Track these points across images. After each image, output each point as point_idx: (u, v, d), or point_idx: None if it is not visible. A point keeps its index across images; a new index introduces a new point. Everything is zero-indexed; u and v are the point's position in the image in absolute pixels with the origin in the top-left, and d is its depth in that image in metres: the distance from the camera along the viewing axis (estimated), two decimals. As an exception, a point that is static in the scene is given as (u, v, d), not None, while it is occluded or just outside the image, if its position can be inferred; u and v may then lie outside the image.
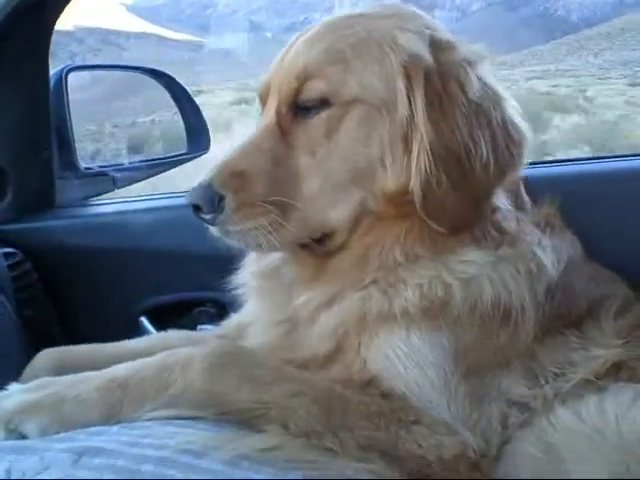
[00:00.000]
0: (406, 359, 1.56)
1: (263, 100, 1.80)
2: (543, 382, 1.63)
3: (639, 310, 1.82)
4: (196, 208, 1.63)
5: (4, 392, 1.56)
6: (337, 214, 1.67)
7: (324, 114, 1.63)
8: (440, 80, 1.60)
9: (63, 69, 3.00)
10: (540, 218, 1.82)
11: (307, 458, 1.40)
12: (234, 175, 1.63)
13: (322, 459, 1.41)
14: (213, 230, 1.68)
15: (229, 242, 1.69)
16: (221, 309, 2.62)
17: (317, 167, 1.65)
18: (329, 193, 1.66)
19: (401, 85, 1.61)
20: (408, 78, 1.60)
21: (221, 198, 1.60)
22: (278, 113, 1.69)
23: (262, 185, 1.62)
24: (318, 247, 1.71)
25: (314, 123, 1.65)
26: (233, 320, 2.08)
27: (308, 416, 1.46)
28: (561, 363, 1.66)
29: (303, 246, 1.71)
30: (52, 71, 2.88)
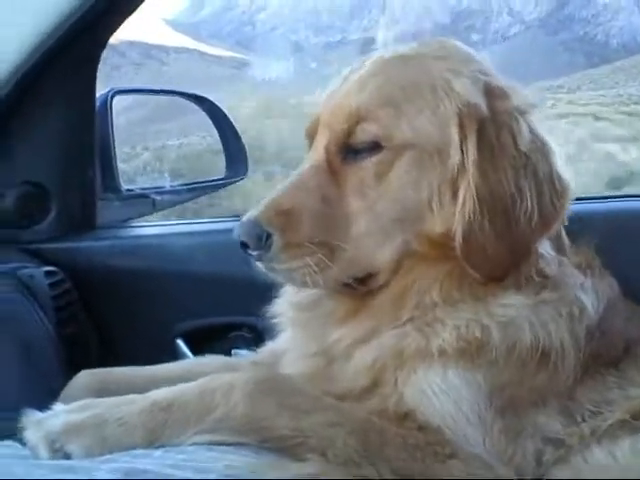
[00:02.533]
0: (442, 395, 1.57)
1: (310, 135, 1.82)
2: (580, 420, 1.63)
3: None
4: (243, 244, 1.65)
5: (49, 412, 1.57)
6: (383, 256, 1.68)
7: (375, 158, 1.65)
8: (493, 129, 1.62)
9: (109, 92, 3.05)
10: (580, 259, 1.82)
11: None
12: (282, 213, 1.64)
13: None
14: (259, 266, 1.70)
15: (274, 278, 1.72)
16: (257, 335, 2.63)
17: (366, 209, 1.67)
18: (376, 235, 1.67)
19: (455, 132, 1.62)
20: (462, 126, 1.62)
21: (268, 236, 1.62)
22: (327, 152, 1.71)
23: (309, 225, 1.64)
24: (360, 286, 1.72)
25: (364, 166, 1.66)
26: (268, 348, 2.09)
27: (346, 446, 1.47)
28: (598, 402, 1.66)
29: (346, 285, 1.72)
30: (98, 93, 2.91)
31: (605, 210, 2.57)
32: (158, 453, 1.45)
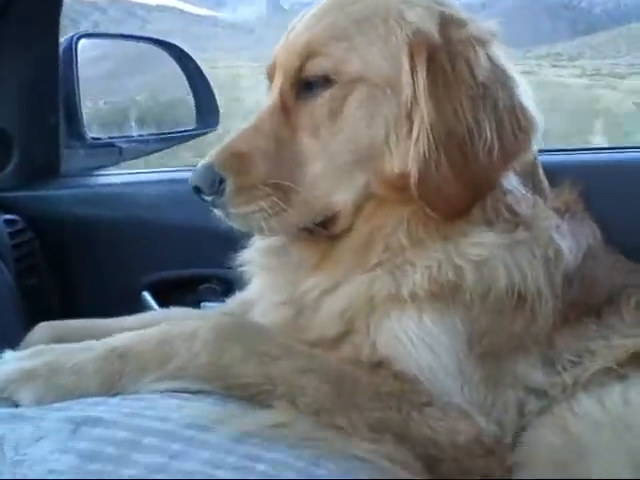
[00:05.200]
0: (418, 341, 1.51)
1: (270, 78, 1.75)
2: (561, 370, 1.58)
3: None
4: (197, 190, 1.60)
5: None
6: (340, 197, 1.62)
7: (327, 93, 1.59)
8: (447, 58, 1.54)
9: (73, 36, 2.94)
10: (560, 204, 1.76)
11: (318, 436, 1.35)
12: (235, 157, 1.60)
13: (333, 438, 1.36)
14: (216, 212, 1.65)
15: (231, 224, 1.65)
16: (226, 286, 2.57)
17: (320, 148, 1.61)
18: (332, 175, 1.61)
19: (405, 63, 1.55)
20: (412, 55, 1.55)
21: (222, 180, 1.58)
22: (281, 92, 1.65)
23: (263, 167, 1.59)
24: (322, 231, 1.66)
25: (317, 103, 1.60)
26: (238, 298, 2.03)
27: (317, 394, 1.41)
28: (580, 351, 1.61)
29: (307, 230, 1.67)
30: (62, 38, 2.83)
31: (596, 160, 2.53)
32: (114, 401, 1.38)
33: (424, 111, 1.52)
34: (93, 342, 1.51)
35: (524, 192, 1.67)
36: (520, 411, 1.54)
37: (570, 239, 1.68)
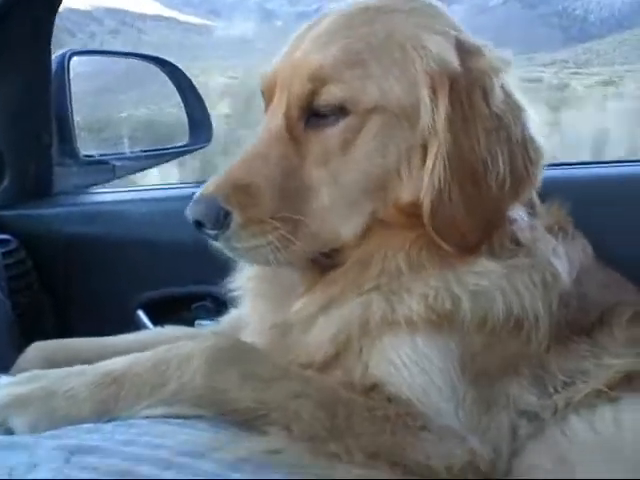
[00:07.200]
0: (411, 364, 1.48)
1: (267, 96, 1.66)
2: (552, 391, 1.56)
3: (653, 318, 1.74)
4: (198, 224, 1.52)
5: None
6: (348, 228, 1.58)
7: (341, 123, 1.52)
8: (465, 88, 1.50)
9: (65, 53, 2.94)
10: (551, 221, 1.74)
11: (312, 463, 1.33)
12: (240, 188, 1.51)
13: (328, 464, 1.34)
14: (217, 245, 1.58)
15: (234, 258, 1.62)
16: (220, 304, 2.51)
17: (329, 179, 1.54)
18: (341, 207, 1.56)
19: (425, 93, 1.50)
20: (433, 86, 1.50)
21: (226, 214, 1.49)
22: (287, 117, 1.56)
23: (271, 199, 1.51)
24: (326, 260, 1.62)
25: (330, 133, 1.53)
26: (230, 316, 2.01)
27: (312, 419, 1.38)
28: (572, 372, 1.59)
29: (311, 260, 1.62)
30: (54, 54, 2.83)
31: (584, 176, 2.53)
32: (109, 427, 1.37)
33: (442, 141, 1.49)
34: (87, 366, 1.49)
35: (526, 220, 1.66)
36: (513, 434, 1.52)
37: (565, 260, 1.66)
